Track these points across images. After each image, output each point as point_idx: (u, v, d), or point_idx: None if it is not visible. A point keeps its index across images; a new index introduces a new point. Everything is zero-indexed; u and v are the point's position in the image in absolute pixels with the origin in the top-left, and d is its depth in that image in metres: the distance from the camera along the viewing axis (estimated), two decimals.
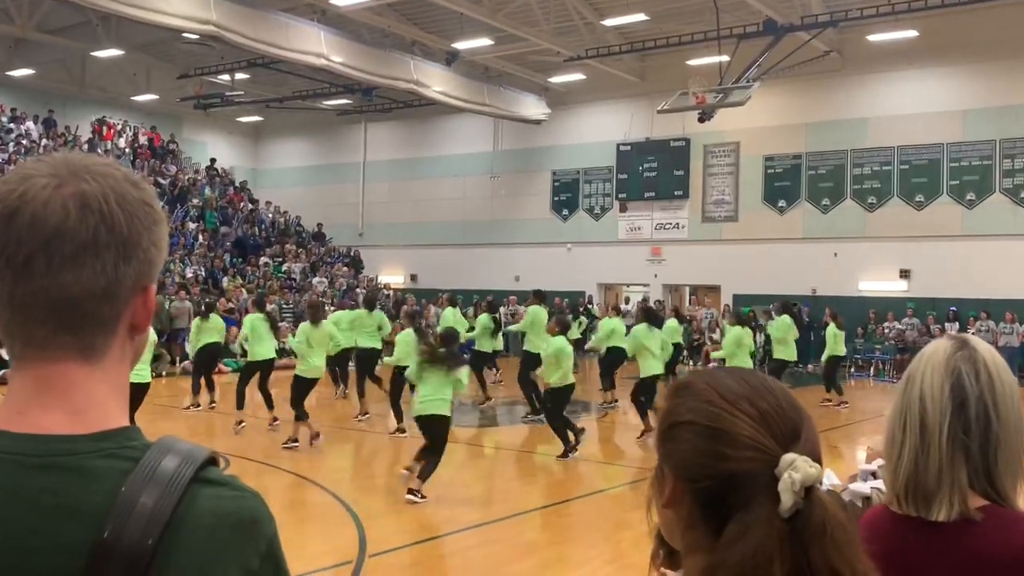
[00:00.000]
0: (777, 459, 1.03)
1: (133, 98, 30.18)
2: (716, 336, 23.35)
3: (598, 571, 6.51)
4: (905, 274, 23.52)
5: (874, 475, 3.52)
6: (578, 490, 9.55)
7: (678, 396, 1.15)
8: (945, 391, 1.53)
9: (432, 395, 8.39)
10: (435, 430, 8.47)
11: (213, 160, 32.41)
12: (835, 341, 16.47)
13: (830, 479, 3.38)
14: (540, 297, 15.56)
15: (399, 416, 11.89)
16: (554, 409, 10.90)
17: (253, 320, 12.88)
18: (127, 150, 29.25)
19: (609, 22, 23.21)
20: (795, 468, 1.01)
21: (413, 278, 31.62)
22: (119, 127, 30.06)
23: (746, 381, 1.12)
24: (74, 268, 0.99)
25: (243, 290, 24.08)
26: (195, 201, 28.76)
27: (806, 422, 1.10)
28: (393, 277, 31.41)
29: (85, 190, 1.01)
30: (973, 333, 21.86)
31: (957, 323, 22.05)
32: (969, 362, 1.55)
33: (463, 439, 12.50)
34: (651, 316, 12.63)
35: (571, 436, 10.79)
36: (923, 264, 23.14)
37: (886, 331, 22.89)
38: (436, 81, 24.40)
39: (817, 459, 1.06)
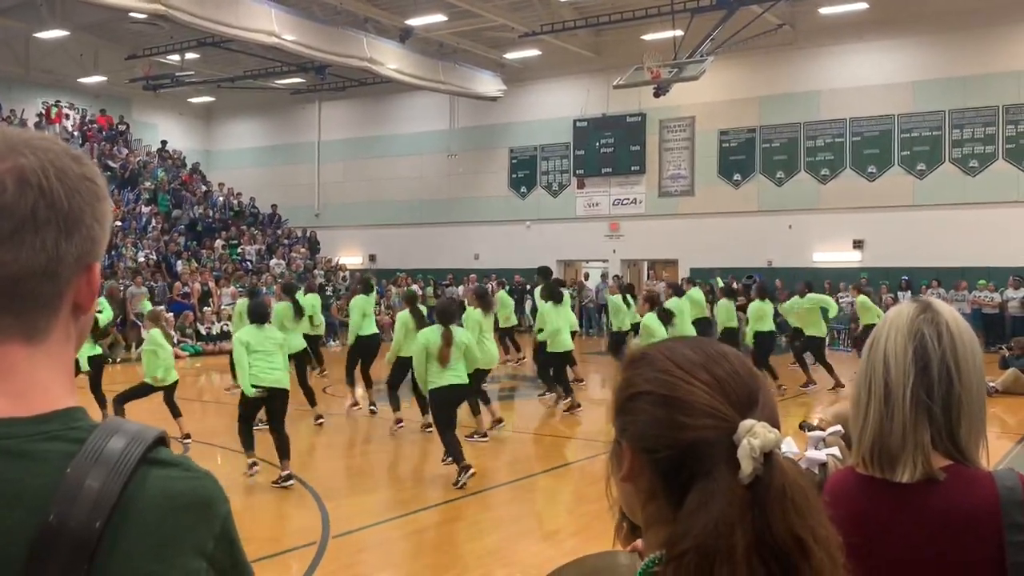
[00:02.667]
0: (735, 426, 1.03)
1: (80, 80, 29.48)
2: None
3: (562, 544, 6.55)
4: (858, 244, 23.88)
5: (824, 441, 3.57)
6: (541, 465, 9.60)
7: (634, 367, 1.13)
8: (908, 354, 1.56)
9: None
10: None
11: (164, 143, 31.85)
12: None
13: (789, 447, 3.43)
14: (545, 275, 14.95)
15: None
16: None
17: (283, 308, 12.20)
18: (75, 133, 28.65)
19: None
20: (754, 434, 1.01)
21: (372, 258, 31.42)
22: (67, 110, 29.39)
23: (702, 349, 1.11)
24: (12, 246, 0.96)
25: (198, 273, 23.77)
26: (147, 184, 28.27)
27: (763, 388, 1.10)
28: (351, 258, 31.19)
29: (23, 164, 0.98)
30: None
31: (909, 292, 22.42)
32: (932, 324, 1.57)
33: (427, 418, 12.48)
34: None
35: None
36: (876, 234, 23.50)
37: (839, 301, 23.21)
38: (390, 58, 24.17)
39: (775, 424, 1.05)
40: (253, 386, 8.33)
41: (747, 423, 1.03)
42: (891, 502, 1.55)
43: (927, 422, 1.53)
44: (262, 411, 8.66)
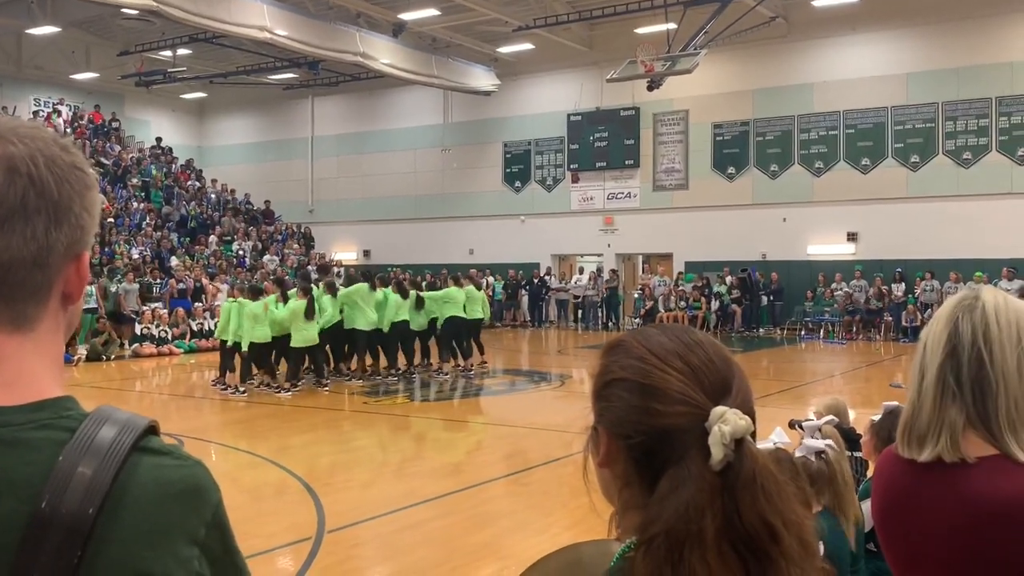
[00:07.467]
0: (707, 413, 1.04)
1: (72, 76, 29.42)
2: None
3: (557, 537, 6.56)
4: (852, 237, 23.91)
5: (820, 431, 3.59)
6: (536, 459, 9.61)
7: (611, 355, 1.15)
8: (943, 337, 1.56)
9: None
10: None
11: (159, 139, 31.78)
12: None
13: (780, 437, 3.45)
14: (324, 271, 18.13)
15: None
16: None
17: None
18: (67, 130, 28.57)
19: None
20: (725, 421, 1.02)
21: (366, 254, 31.40)
22: (58, 107, 29.32)
23: (677, 337, 1.13)
24: (2, 235, 0.96)
25: (191, 270, 23.74)
26: (134, 181, 28.17)
27: (737, 376, 1.11)
28: (346, 254, 31.16)
29: (12, 152, 0.98)
30: (919, 293, 22.29)
31: (903, 284, 22.50)
32: (968, 309, 1.56)
33: (421, 412, 12.52)
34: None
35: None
36: (870, 226, 23.53)
37: (834, 293, 23.28)
38: (383, 53, 24.13)
39: (749, 412, 1.06)
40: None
41: (719, 410, 1.04)
42: (925, 482, 1.54)
43: (955, 404, 1.51)
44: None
